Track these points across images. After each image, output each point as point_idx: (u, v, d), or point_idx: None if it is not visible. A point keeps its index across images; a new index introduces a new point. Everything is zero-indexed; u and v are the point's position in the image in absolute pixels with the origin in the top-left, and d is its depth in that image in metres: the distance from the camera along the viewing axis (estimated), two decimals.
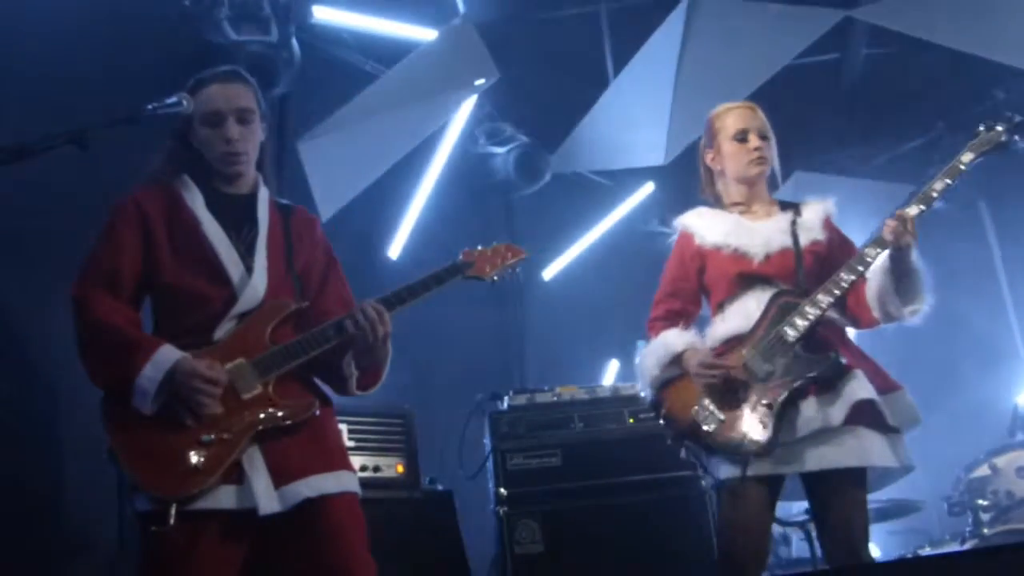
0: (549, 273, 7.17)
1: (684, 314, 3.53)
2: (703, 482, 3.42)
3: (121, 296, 2.81)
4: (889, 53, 6.77)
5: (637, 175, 6.85)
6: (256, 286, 2.86)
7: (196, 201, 2.93)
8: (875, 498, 5.40)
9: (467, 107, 6.33)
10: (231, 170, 2.97)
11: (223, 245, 2.88)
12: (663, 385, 3.44)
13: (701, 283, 3.56)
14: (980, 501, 5.26)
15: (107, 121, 2.72)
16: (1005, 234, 7.51)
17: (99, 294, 2.77)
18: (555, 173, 6.62)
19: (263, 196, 3.04)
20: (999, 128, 3.39)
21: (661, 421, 3.44)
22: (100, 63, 4.56)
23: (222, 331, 2.81)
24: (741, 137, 3.55)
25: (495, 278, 3.10)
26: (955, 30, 5.62)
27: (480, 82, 5.96)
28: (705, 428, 3.25)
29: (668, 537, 4.37)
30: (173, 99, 2.82)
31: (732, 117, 3.60)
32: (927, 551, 5.23)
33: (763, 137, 3.55)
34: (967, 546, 4.96)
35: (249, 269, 2.87)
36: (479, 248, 3.12)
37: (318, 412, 2.84)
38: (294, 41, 5.16)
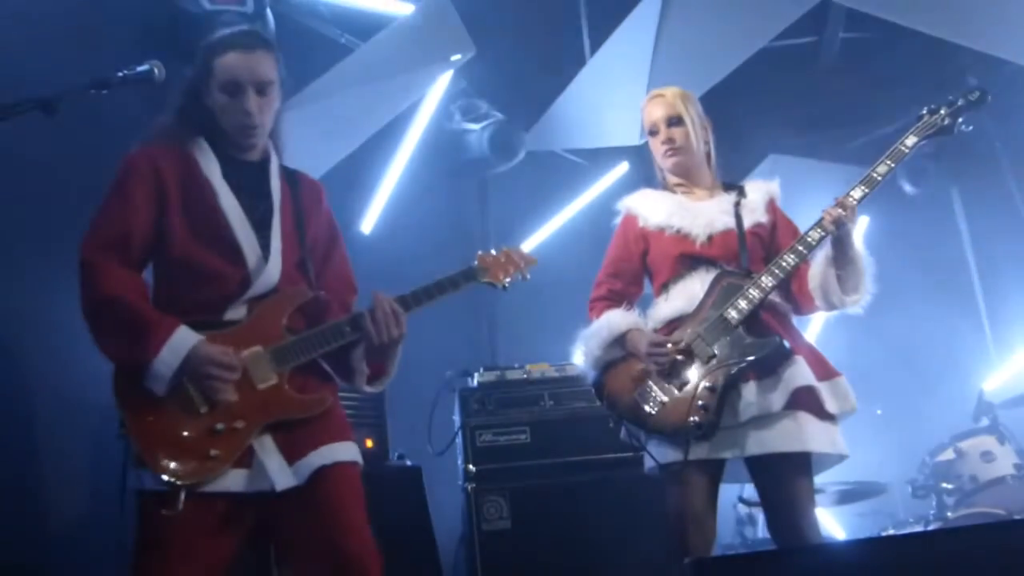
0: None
1: (626, 295, 3.54)
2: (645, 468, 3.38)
3: (130, 261, 2.74)
4: (865, 38, 6.78)
5: (612, 154, 6.83)
6: (271, 271, 2.81)
7: (212, 169, 2.85)
8: (841, 480, 5.49)
9: (443, 83, 6.30)
10: (246, 142, 2.92)
11: (240, 223, 2.81)
12: (605, 367, 3.42)
13: (644, 265, 3.56)
14: (945, 484, 5.32)
15: (76, 87, 2.67)
16: (975, 221, 7.55)
17: (108, 260, 2.69)
18: (530, 151, 6.60)
19: (274, 166, 3.00)
20: (942, 112, 3.44)
21: (602, 403, 3.42)
22: (73, 29, 4.50)
23: (233, 313, 2.77)
24: (652, 131, 3.58)
25: (506, 285, 3.12)
26: (930, 16, 5.63)
27: (456, 58, 5.92)
28: (647, 410, 3.24)
29: (636, 515, 4.39)
30: (144, 67, 2.75)
31: (646, 110, 3.61)
32: (890, 533, 5.28)
33: (673, 124, 3.53)
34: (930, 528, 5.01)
35: (265, 252, 2.81)
36: (492, 252, 3.13)
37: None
38: (269, 12, 5.10)
